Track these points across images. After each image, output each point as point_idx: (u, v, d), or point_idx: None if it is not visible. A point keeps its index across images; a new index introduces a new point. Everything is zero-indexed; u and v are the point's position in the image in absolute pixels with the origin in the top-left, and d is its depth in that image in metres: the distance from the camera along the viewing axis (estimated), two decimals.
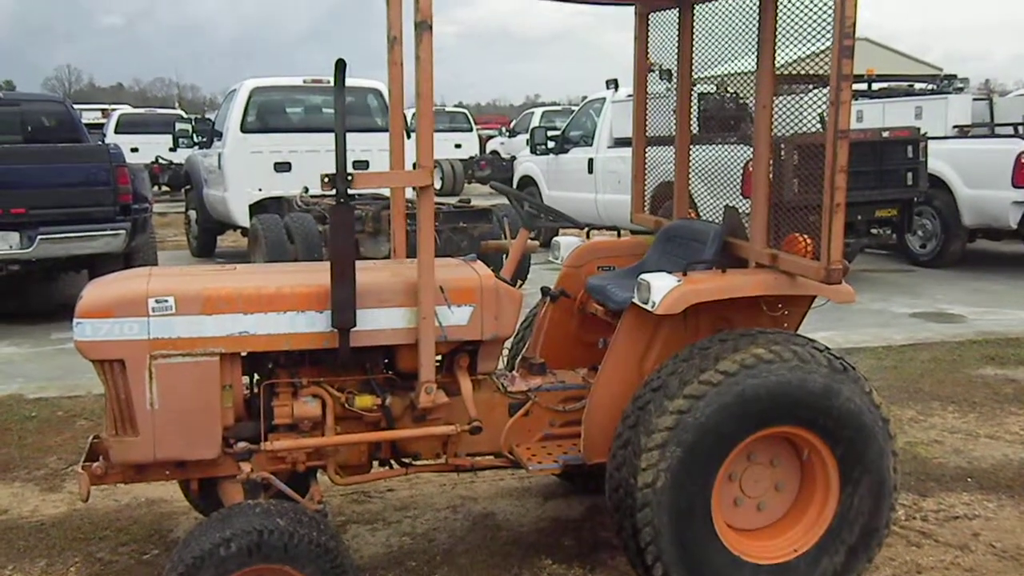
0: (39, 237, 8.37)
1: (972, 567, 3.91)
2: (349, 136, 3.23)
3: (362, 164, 11.45)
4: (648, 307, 3.43)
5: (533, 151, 14.20)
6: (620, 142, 12.51)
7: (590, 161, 12.93)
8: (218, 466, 3.50)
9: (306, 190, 10.89)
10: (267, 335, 3.38)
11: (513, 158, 19.83)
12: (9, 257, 8.46)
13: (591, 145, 13.08)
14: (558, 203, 12.35)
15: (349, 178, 3.25)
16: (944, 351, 7.46)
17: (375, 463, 3.77)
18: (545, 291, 4.24)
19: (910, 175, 10.13)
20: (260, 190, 11.58)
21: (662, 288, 3.41)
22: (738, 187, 4.06)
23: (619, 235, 4.50)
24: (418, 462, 3.78)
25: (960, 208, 11.13)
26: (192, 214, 13.58)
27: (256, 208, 11.36)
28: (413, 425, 3.65)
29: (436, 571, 3.90)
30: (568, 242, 4.40)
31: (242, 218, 11.64)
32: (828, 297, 3.57)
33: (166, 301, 3.29)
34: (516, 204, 4.17)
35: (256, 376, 3.61)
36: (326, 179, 3.27)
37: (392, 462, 3.79)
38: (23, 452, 5.33)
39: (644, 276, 3.49)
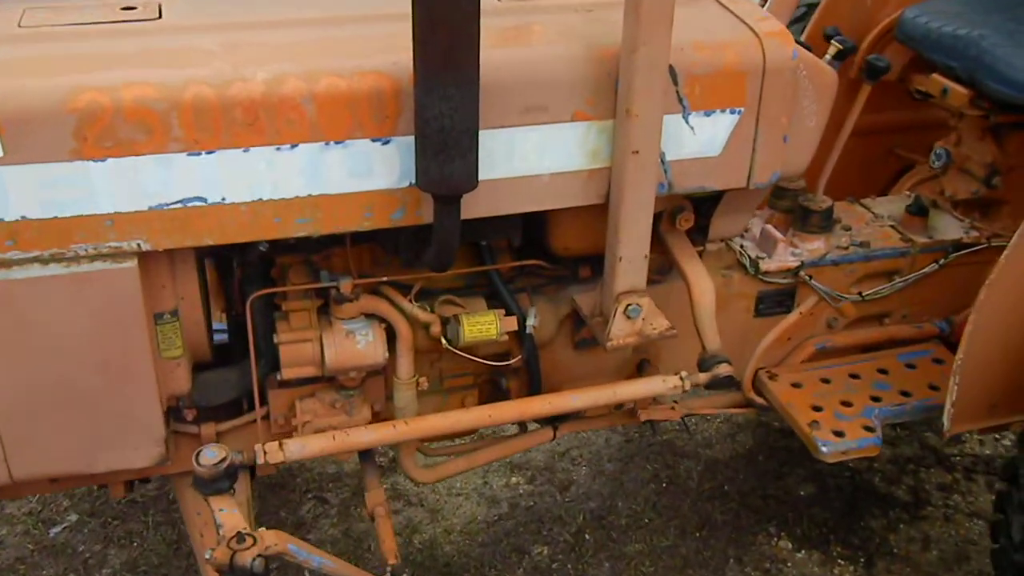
0: None
1: None
2: None
3: None
4: None
5: None
6: None
7: None
8: (163, 466, 1.65)
9: None
10: (249, 204, 1.38)
11: None
12: None
13: None
14: None
15: None
16: None
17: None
18: (848, 48, 2.04)
19: None
20: None
21: None
22: None
23: None
24: (578, 420, 1.94)
25: None
26: None
27: None
28: (574, 358, 1.78)
29: None
30: None
31: None
32: None
33: None
34: None
35: (236, 270, 1.66)
36: None
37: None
38: None
39: None
